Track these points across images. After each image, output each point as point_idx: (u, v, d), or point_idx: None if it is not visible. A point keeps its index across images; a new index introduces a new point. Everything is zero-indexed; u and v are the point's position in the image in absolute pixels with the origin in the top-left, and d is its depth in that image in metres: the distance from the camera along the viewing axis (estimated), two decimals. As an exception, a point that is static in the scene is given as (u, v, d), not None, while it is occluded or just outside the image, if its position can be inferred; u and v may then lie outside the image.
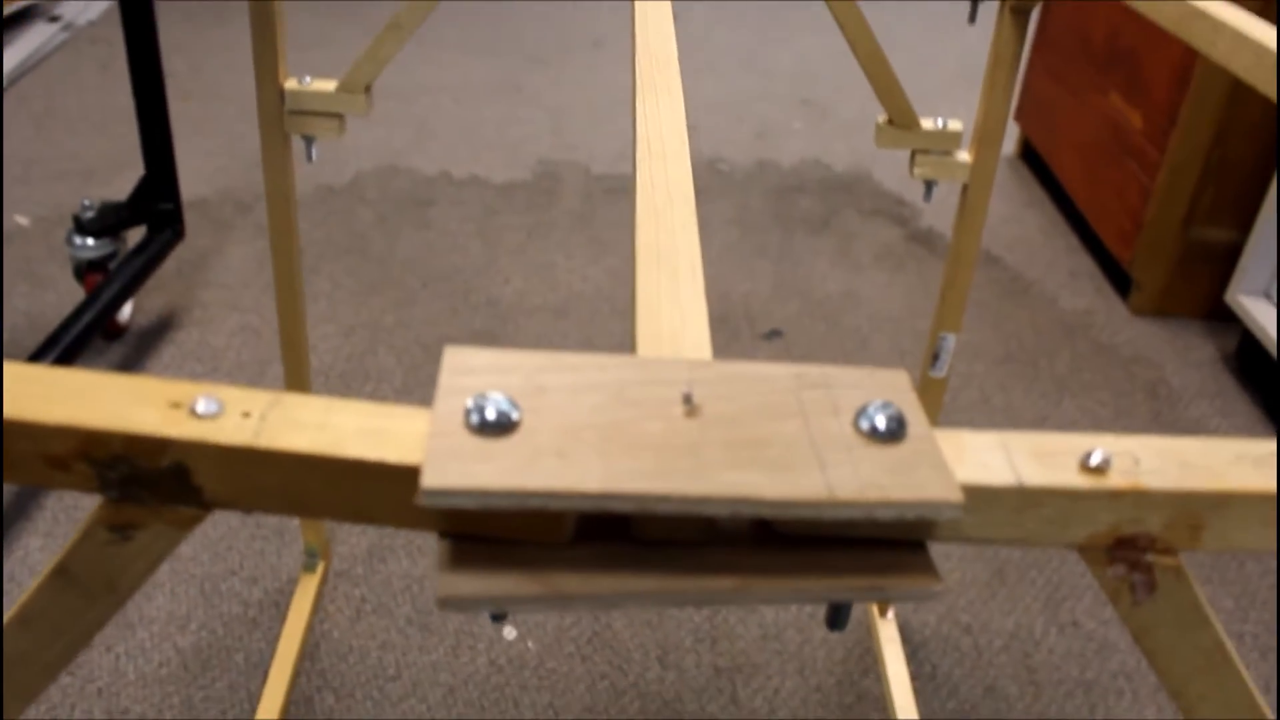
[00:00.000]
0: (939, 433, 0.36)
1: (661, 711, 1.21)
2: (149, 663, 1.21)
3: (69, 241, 1.65)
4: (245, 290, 1.92)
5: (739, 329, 1.92)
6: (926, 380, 1.30)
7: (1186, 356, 1.92)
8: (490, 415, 0.33)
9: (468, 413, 0.33)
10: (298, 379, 1.21)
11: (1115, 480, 0.34)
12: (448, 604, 0.31)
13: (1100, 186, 2.16)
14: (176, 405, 0.32)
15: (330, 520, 0.33)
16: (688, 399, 0.36)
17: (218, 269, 1.99)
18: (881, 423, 0.35)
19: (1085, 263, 2.22)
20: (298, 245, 1.13)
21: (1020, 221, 2.37)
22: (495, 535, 0.34)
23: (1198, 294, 2.02)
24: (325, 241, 2.10)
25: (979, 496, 0.34)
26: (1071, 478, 0.34)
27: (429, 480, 0.30)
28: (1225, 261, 1.96)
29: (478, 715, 1.19)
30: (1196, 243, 1.97)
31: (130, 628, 1.25)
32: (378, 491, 0.32)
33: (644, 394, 0.36)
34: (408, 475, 0.32)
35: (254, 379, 1.69)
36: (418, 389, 1.72)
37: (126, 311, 1.77)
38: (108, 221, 1.64)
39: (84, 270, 1.67)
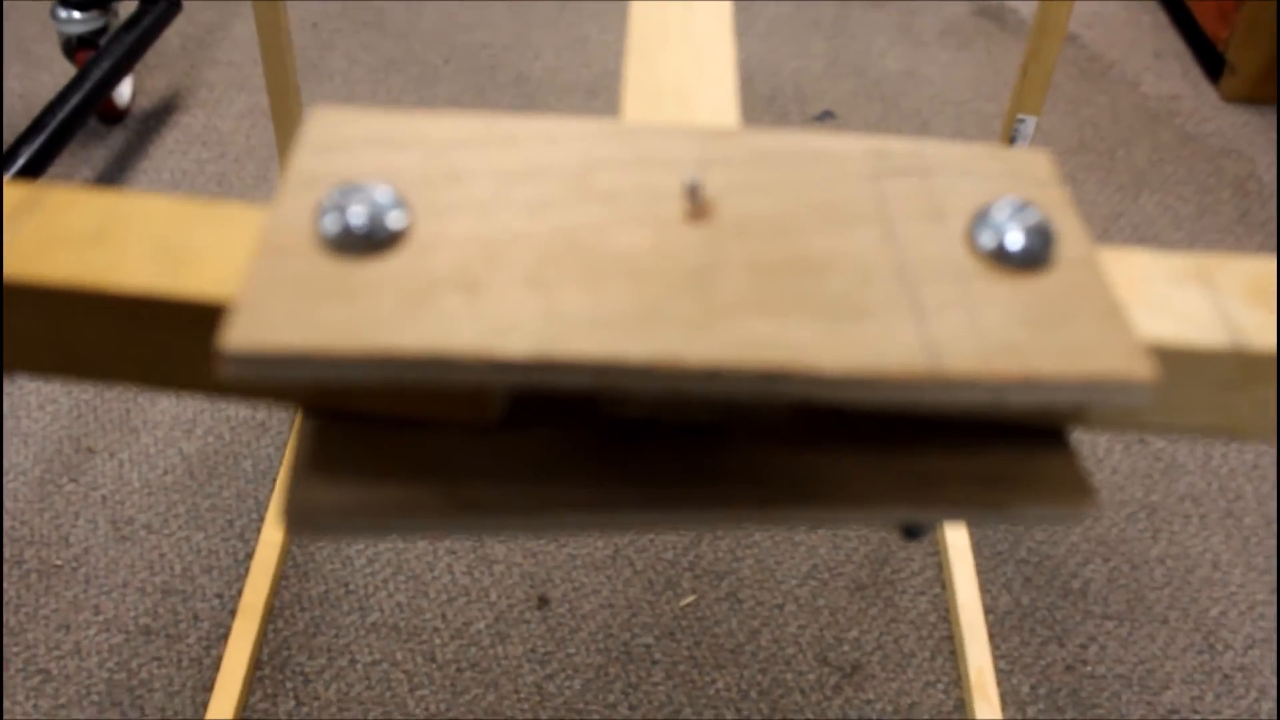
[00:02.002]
0: (1103, 253, 0.23)
1: (694, 545, 1.14)
2: (153, 469, 1.15)
3: (54, 15, 1.51)
4: (254, 69, 1.78)
5: (787, 110, 1.76)
6: (996, 173, 1.15)
7: (1281, 147, 1.74)
8: (356, 220, 0.20)
9: (321, 215, 0.20)
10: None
11: None
12: (301, 524, 0.20)
13: (1198, -47, 1.93)
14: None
15: (130, 386, 0.22)
16: (694, 190, 0.22)
17: (225, 46, 1.84)
18: (1016, 237, 0.22)
19: (1173, 42, 2.00)
20: (285, 15, 1.00)
21: (1103, -6, 2.15)
22: (383, 414, 0.22)
23: (1299, 77, 1.82)
24: (340, 15, 1.94)
25: (1173, 364, 0.21)
26: None
27: (236, 338, 0.18)
28: (1335, 40, 1.75)
29: (498, 528, 1.12)
30: (1304, 18, 1.75)
31: (134, 432, 1.19)
32: (183, 346, 0.21)
33: (622, 181, 0.22)
34: (219, 320, 0.20)
35: (263, 165, 1.57)
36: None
37: (126, 93, 1.65)
38: (94, -10, 1.49)
39: (73, 46, 1.53)
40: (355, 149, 0.23)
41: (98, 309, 0.20)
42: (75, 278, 0.20)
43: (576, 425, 0.23)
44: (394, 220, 0.21)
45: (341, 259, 0.20)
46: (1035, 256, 0.21)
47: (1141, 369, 0.19)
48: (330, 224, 0.21)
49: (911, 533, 0.26)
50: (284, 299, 0.19)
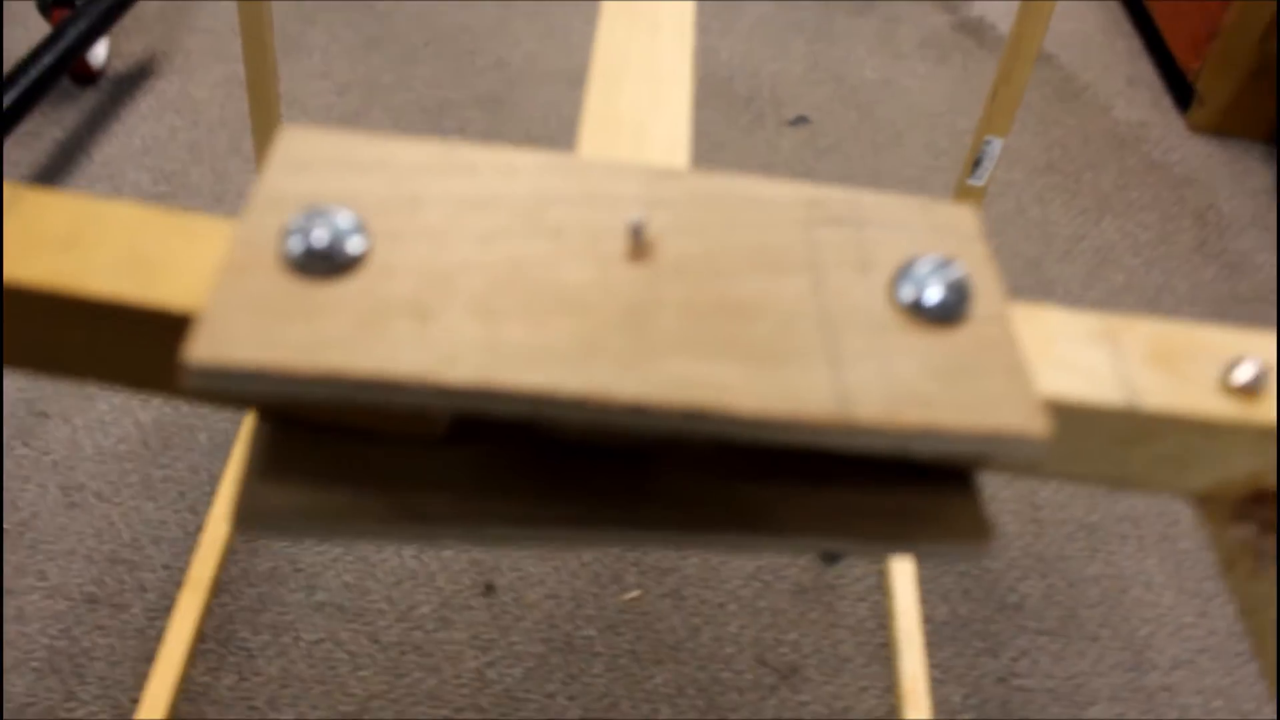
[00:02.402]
0: (1015, 309, 0.25)
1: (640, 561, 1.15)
2: (107, 437, 1.15)
3: (32, -30, 1.50)
4: (233, 37, 1.77)
5: (763, 113, 1.77)
6: (964, 188, 1.17)
7: (1242, 182, 1.77)
8: (318, 242, 0.22)
9: (285, 236, 0.22)
10: (268, 141, 1.10)
11: (1270, 411, 0.23)
12: (249, 523, 0.21)
13: (1175, -17, 1.96)
14: None
15: (99, 384, 0.23)
16: (637, 230, 0.24)
17: (204, 12, 1.83)
18: (935, 292, 0.23)
19: (1146, 70, 2.04)
20: (264, -9, 1.00)
21: (1079, 17, 2.17)
22: (334, 423, 0.23)
23: (1265, 115, 1.85)
24: (322, -11, 1.93)
25: (1070, 419, 0.23)
26: (1208, 400, 0.23)
27: (201, 351, 0.19)
28: (1302, 77, 1.78)
29: (450, 514, 1.13)
30: (1271, 58, 1.78)
31: (89, 399, 1.19)
32: (148, 350, 0.22)
33: (570, 217, 0.24)
34: (184, 329, 0.21)
35: (236, 136, 1.57)
36: (411, 160, 1.59)
37: (102, 55, 1.63)
38: (73, -50, 1.48)
39: (50, 5, 1.52)
40: (322, 171, 0.24)
41: (69, 312, 0.21)
42: (48, 281, 0.21)
43: (517, 442, 0.24)
44: (354, 245, 0.22)
45: (302, 280, 0.21)
46: (951, 312, 0.23)
47: (1037, 426, 0.21)
48: (293, 245, 0.22)
49: (829, 558, 0.28)
50: (245, 316, 0.20)
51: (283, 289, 0.21)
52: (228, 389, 0.20)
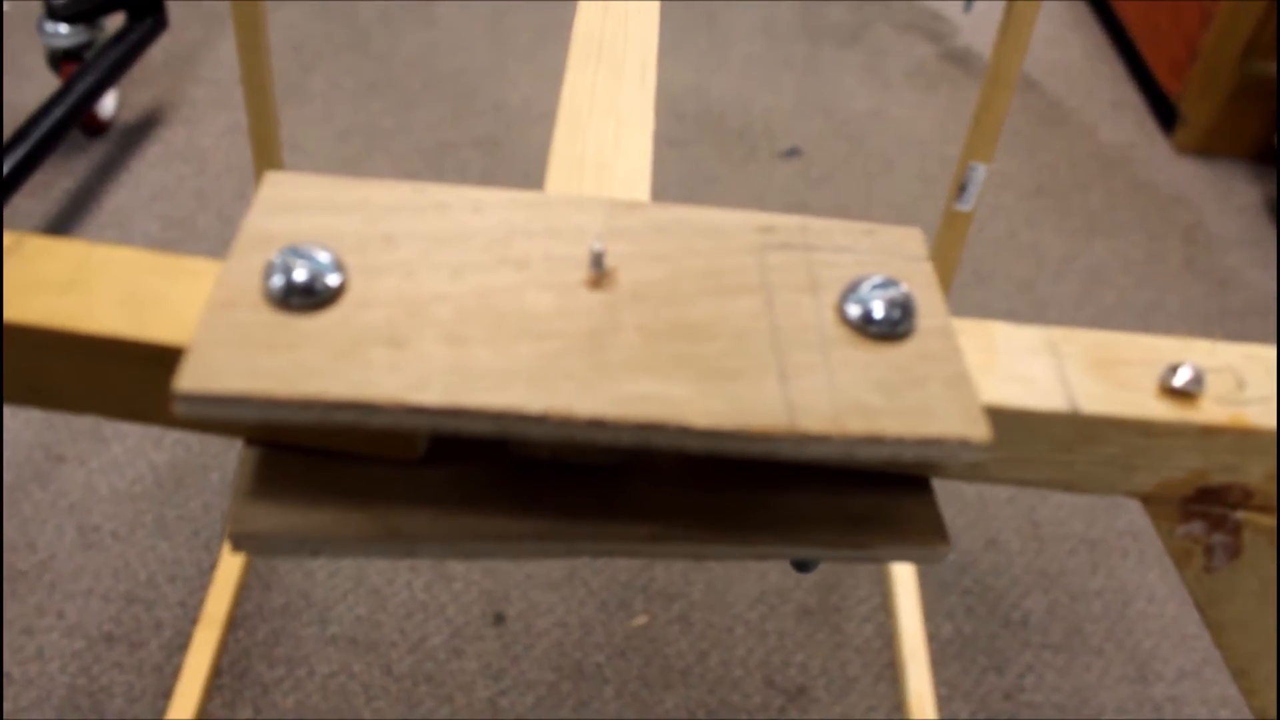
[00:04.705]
0: (962, 324, 0.26)
1: (648, 568, 1.17)
2: (122, 479, 1.18)
3: (40, 28, 1.54)
4: (237, 87, 1.81)
5: (756, 146, 1.81)
6: (951, 213, 1.20)
7: (1228, 200, 1.80)
8: (298, 278, 0.23)
9: (268, 273, 0.23)
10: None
11: (1209, 411, 0.24)
12: (244, 543, 0.22)
13: (1156, 8, 2.00)
14: None
15: (94, 416, 0.25)
16: (598, 259, 0.25)
17: (208, 64, 1.87)
18: (879, 309, 0.24)
19: (1129, 93, 2.07)
20: (266, 38, 1.03)
21: (1063, 44, 2.21)
22: (319, 447, 0.24)
23: (1248, 133, 1.88)
24: (323, 38, 1.97)
25: (1014, 425, 0.24)
26: (1147, 403, 0.24)
27: (187, 381, 0.21)
28: (1283, 97, 1.82)
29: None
30: (1253, 78, 1.82)
31: (104, 442, 1.21)
32: (144, 383, 0.23)
33: (535, 249, 0.25)
34: (176, 362, 0.23)
35: (241, 183, 1.60)
36: (413, 201, 1.62)
37: (110, 107, 1.67)
38: (81, 7, 1.52)
39: (59, 59, 1.56)
40: (302, 212, 0.25)
41: (68, 349, 0.23)
42: (48, 320, 0.23)
43: (492, 462, 0.25)
44: (331, 280, 0.24)
45: (284, 313, 0.23)
46: (895, 327, 0.24)
47: (978, 431, 0.22)
48: (275, 282, 0.23)
49: (802, 566, 0.30)
50: (231, 348, 0.22)
51: (266, 322, 0.22)
52: (215, 416, 0.21)
